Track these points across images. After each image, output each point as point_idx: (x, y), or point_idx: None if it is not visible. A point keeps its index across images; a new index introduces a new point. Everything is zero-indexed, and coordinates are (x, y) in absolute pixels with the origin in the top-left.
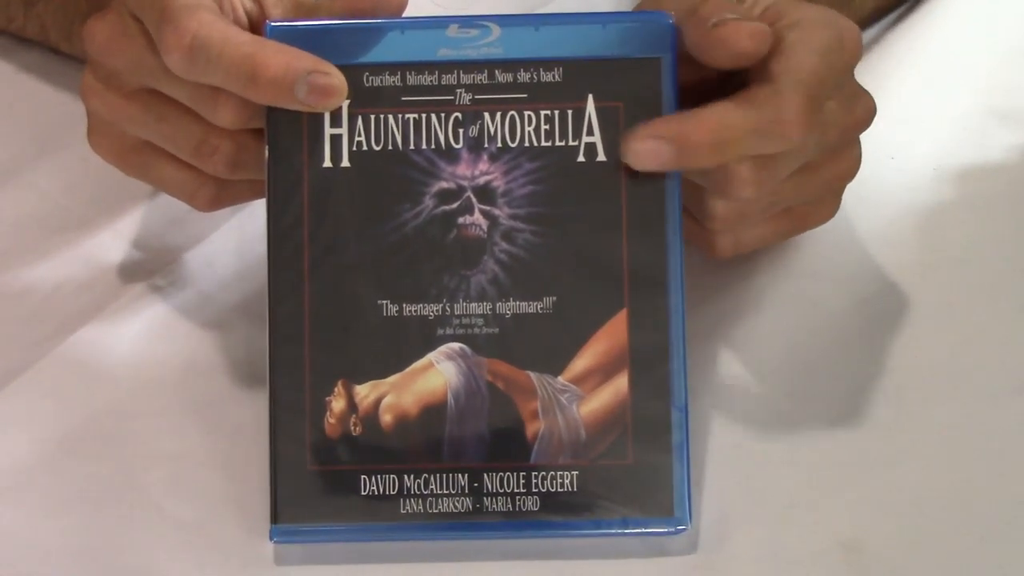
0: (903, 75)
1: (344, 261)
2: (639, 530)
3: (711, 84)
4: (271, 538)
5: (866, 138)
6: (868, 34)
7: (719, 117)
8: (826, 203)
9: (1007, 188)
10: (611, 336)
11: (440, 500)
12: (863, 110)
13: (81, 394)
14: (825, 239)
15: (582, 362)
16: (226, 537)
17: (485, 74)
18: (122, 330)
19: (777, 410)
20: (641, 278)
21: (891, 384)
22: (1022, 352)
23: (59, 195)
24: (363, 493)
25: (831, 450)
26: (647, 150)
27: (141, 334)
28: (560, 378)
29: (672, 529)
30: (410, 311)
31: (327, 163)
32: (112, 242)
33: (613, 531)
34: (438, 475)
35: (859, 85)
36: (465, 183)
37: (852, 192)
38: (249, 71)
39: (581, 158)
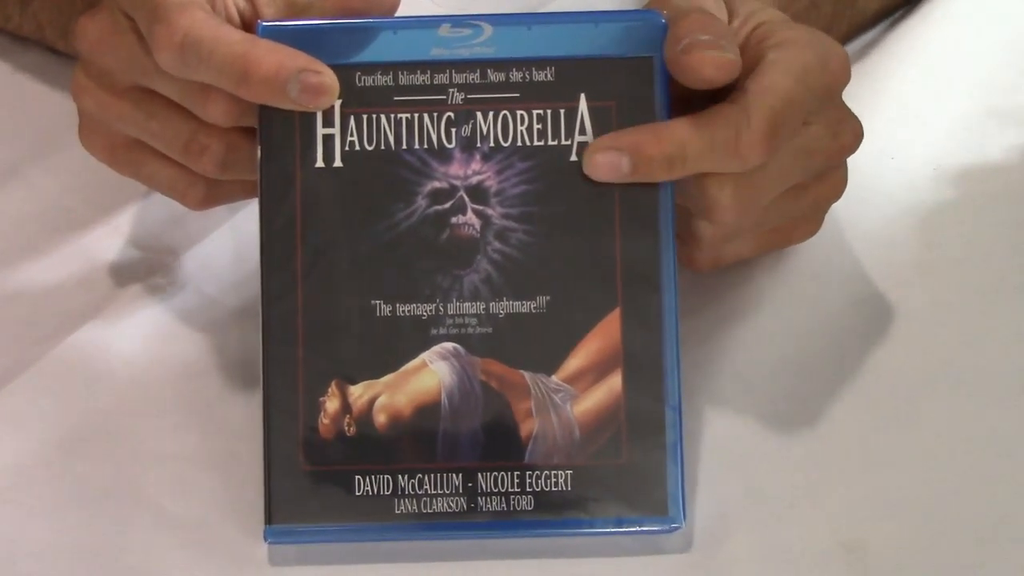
0: (903, 75)
1: (337, 261)
2: (633, 529)
3: (707, 93)
4: (265, 539)
5: (866, 138)
6: (869, 35)
7: (675, 133)
8: (809, 222)
9: (1007, 188)
10: (604, 335)
11: (434, 500)
12: (850, 134)
13: (80, 394)
14: (824, 239)
15: (576, 361)
16: (223, 537)
17: (477, 73)
18: (121, 330)
19: (776, 410)
20: (634, 277)
21: (891, 384)
22: (1022, 352)
23: (58, 194)
24: (357, 493)
25: (831, 450)
26: (605, 162)
27: (140, 334)
28: (554, 377)
29: (666, 528)
30: (403, 311)
31: (320, 163)
32: (111, 241)
33: (607, 530)
34: (432, 475)
35: (847, 109)
36: (458, 183)
37: (852, 192)
38: (241, 70)
39: (574, 157)
